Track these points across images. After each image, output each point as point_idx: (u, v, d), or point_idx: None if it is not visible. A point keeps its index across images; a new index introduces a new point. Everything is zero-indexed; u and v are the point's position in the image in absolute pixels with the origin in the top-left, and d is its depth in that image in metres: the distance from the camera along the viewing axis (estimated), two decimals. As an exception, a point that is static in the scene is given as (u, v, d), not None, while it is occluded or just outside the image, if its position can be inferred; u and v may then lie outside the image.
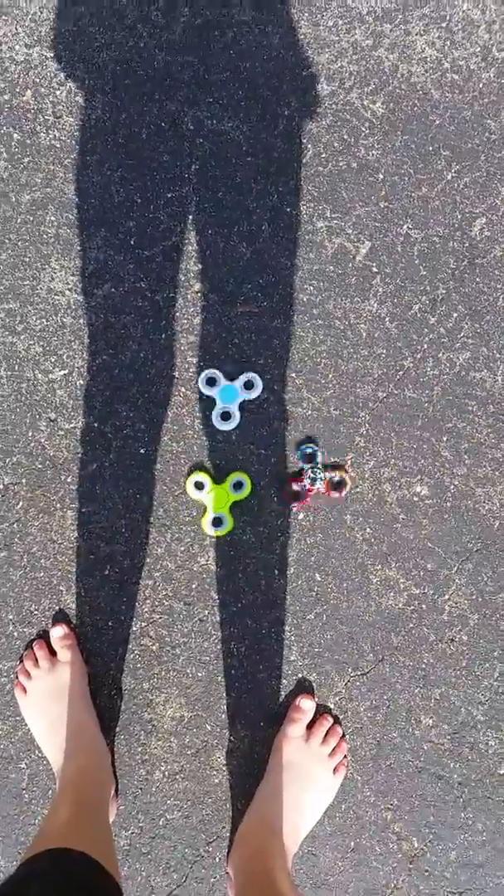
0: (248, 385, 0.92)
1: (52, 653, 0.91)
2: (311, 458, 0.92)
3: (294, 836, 0.87)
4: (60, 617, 0.92)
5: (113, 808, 0.89)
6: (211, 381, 0.92)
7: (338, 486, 0.93)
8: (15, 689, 0.91)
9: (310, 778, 0.89)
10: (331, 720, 0.93)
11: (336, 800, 0.92)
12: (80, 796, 0.79)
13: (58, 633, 0.91)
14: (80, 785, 0.81)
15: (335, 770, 0.91)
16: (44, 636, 0.92)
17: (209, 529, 0.92)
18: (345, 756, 0.92)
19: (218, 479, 0.92)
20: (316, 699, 0.93)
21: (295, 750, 0.90)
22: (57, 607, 0.92)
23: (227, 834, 0.93)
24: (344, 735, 0.93)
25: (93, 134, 0.92)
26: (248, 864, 0.83)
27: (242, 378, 0.92)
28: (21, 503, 0.91)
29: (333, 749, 0.91)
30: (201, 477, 0.91)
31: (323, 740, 0.91)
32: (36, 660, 0.91)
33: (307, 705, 0.92)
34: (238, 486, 0.92)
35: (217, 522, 0.92)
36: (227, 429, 0.92)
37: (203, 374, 0.92)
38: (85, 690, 0.90)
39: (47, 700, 0.88)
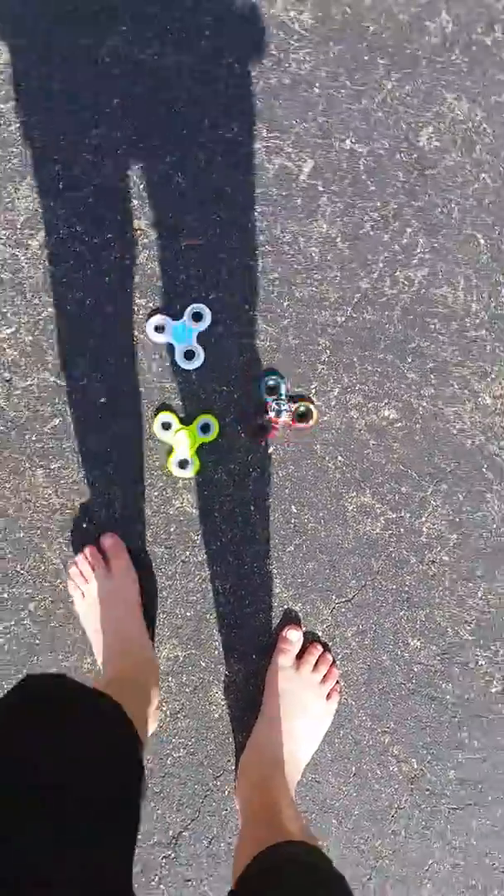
0: (197, 317, 0.91)
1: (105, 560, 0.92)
2: (273, 389, 0.91)
3: (294, 764, 0.89)
4: (105, 529, 0.93)
5: (154, 719, 0.91)
6: (159, 328, 0.91)
7: (303, 416, 0.92)
8: (73, 592, 0.92)
9: (303, 706, 0.90)
10: (320, 648, 0.93)
11: (333, 726, 0.93)
12: (121, 691, 0.75)
13: (108, 541, 0.91)
14: (123, 684, 0.81)
15: (328, 696, 0.92)
16: (90, 545, 0.92)
17: (176, 471, 0.92)
18: (337, 682, 0.93)
19: (184, 422, 0.92)
20: (303, 629, 0.93)
21: (286, 680, 0.91)
22: (41, 565, 0.93)
23: (233, 767, 0.95)
24: (334, 661, 0.93)
25: (2, 81, 0.90)
26: (252, 796, 0.85)
27: (189, 310, 0.91)
28: None
29: (325, 676, 0.92)
30: (168, 417, 0.91)
31: (314, 668, 0.92)
32: (91, 566, 0.91)
33: (294, 636, 0.92)
34: (205, 428, 0.91)
35: (183, 464, 0.92)
36: (193, 367, 0.91)
37: (149, 323, 0.91)
38: (137, 599, 0.91)
39: (104, 605, 0.89)
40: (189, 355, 0.91)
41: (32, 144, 0.90)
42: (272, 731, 0.89)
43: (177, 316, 0.91)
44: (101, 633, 0.89)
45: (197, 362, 0.91)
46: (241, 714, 0.94)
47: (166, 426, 0.91)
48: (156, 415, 0.92)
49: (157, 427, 0.91)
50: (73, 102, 0.90)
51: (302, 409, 0.91)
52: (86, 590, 0.91)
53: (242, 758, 0.90)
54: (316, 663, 0.92)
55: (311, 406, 0.91)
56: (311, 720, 0.90)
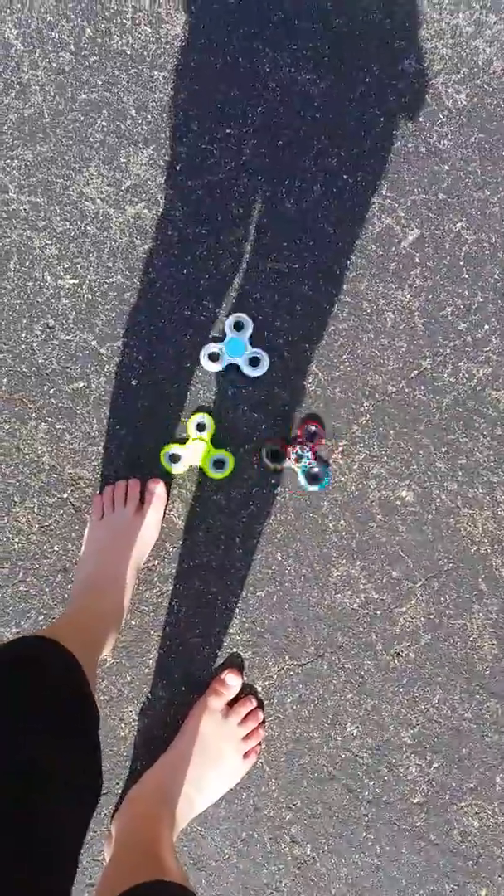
0: (238, 326, 0.89)
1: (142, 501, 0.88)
2: (311, 436, 0.89)
3: (187, 810, 0.84)
4: (159, 477, 0.89)
5: (107, 648, 0.84)
6: (238, 326, 0.89)
7: (314, 478, 0.89)
8: (92, 506, 0.89)
9: (219, 755, 0.86)
10: (254, 703, 0.89)
11: (238, 785, 0.89)
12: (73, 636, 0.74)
13: (156, 489, 0.87)
14: (85, 615, 0.79)
15: (246, 755, 0.88)
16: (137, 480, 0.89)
17: (212, 472, 0.89)
18: (259, 743, 0.89)
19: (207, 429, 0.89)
20: (244, 678, 0.89)
21: (211, 723, 0.86)
22: (6, 517, 0.89)
23: (119, 790, 0.90)
24: (264, 721, 0.89)
25: (166, 50, 0.89)
26: (135, 826, 0.80)
27: (230, 320, 0.88)
28: (-2, 402, 0.88)
29: (249, 733, 0.88)
30: (204, 418, 0.88)
31: (241, 721, 0.88)
32: (124, 496, 0.88)
33: (233, 681, 0.88)
34: (219, 463, 0.89)
35: (219, 464, 0.89)
36: (259, 373, 0.88)
37: (231, 318, 0.88)
38: (144, 553, 0.87)
39: (114, 538, 0.85)
40: (254, 362, 0.88)
41: (168, 119, 0.88)
42: (177, 768, 0.84)
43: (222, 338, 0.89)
44: (95, 559, 0.84)
45: (263, 368, 0.88)
46: (148, 742, 0.89)
47: (200, 427, 0.88)
48: (193, 413, 0.89)
49: (191, 425, 0.88)
50: (222, 95, 0.89)
51: (315, 470, 0.89)
52: (107, 515, 0.87)
53: (136, 786, 0.86)
54: (245, 717, 0.88)
55: (327, 473, 0.89)
56: (221, 772, 0.86)
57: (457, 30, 0.90)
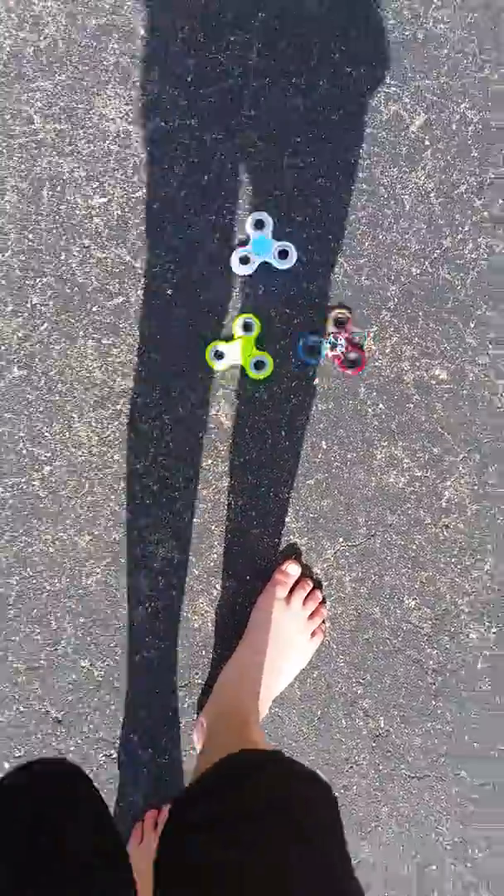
0: (259, 224, 0.92)
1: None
2: (341, 323, 0.93)
3: (266, 695, 0.89)
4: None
5: None
6: (259, 224, 0.93)
7: (352, 363, 0.93)
8: (133, 832, 0.92)
9: (287, 640, 0.90)
10: (311, 584, 0.93)
11: (309, 665, 0.93)
12: None
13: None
14: None
15: (312, 634, 0.92)
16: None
17: (252, 373, 0.93)
18: (322, 621, 0.93)
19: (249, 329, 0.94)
20: (302, 564, 0.93)
21: (277, 610, 0.91)
22: (67, 432, 0.94)
23: (200, 682, 0.94)
24: (324, 600, 0.93)
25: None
26: (224, 714, 0.85)
27: (251, 218, 0.92)
28: (46, 325, 0.94)
29: (312, 613, 0.92)
30: (251, 319, 0.93)
31: (303, 604, 0.92)
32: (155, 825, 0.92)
33: (293, 570, 0.92)
34: (260, 364, 0.93)
35: (259, 365, 0.93)
36: (288, 266, 0.92)
37: (250, 218, 0.92)
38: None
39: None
40: (283, 255, 0.92)
41: (175, 35, 0.93)
42: (254, 657, 0.89)
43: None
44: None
45: (292, 259, 0.92)
46: (222, 631, 0.94)
47: (247, 327, 0.93)
48: (236, 317, 0.93)
49: (237, 326, 0.93)
50: (224, 3, 0.93)
51: (353, 356, 0.93)
52: (146, 839, 0.90)
53: (221, 678, 0.90)
54: (305, 599, 0.92)
55: (363, 356, 0.92)
56: (292, 655, 0.90)
57: None
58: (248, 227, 0.92)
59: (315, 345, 0.93)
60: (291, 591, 0.92)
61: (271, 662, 0.89)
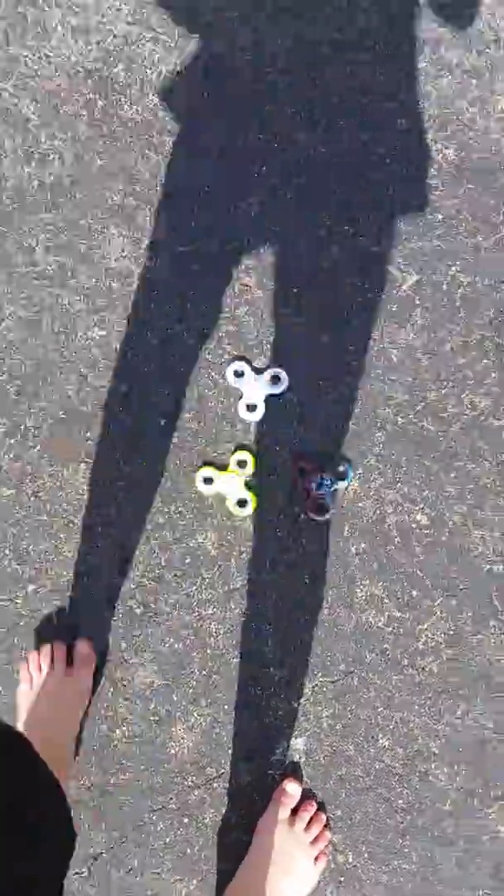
0: (275, 379, 0.98)
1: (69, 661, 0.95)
2: (341, 476, 0.97)
3: None
4: (87, 634, 0.97)
5: None
6: (238, 374, 0.98)
7: (319, 508, 0.97)
8: (21, 672, 0.95)
9: (291, 864, 0.89)
10: (315, 806, 0.94)
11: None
12: None
13: (84, 649, 0.95)
14: None
15: (316, 859, 0.91)
16: (57, 644, 0.96)
17: (234, 509, 0.97)
18: (327, 845, 0.93)
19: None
20: (303, 785, 0.94)
21: (279, 833, 0.90)
22: (54, 555, 0.98)
23: (174, 808, 0.96)
24: (328, 823, 0.94)
25: (176, 117, 1.00)
26: None
27: (269, 372, 0.97)
28: (38, 447, 0.98)
29: (316, 837, 0.92)
30: (246, 457, 0.97)
31: (306, 826, 0.92)
32: (51, 659, 0.94)
33: (294, 790, 0.93)
34: (242, 503, 0.97)
35: (242, 503, 0.97)
36: (252, 420, 0.97)
37: (231, 366, 0.98)
38: (79, 717, 0.94)
39: (46, 703, 0.92)
40: (251, 408, 0.97)
41: (179, 179, 0.99)
42: (255, 883, 0.88)
43: (259, 371, 0.98)
44: (31, 727, 0.90)
45: (257, 416, 0.97)
46: (197, 758, 0.96)
47: (242, 464, 0.97)
48: (234, 451, 0.98)
49: (233, 462, 0.97)
50: (237, 152, 0.99)
51: (321, 501, 0.96)
52: (36, 680, 0.93)
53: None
54: (309, 822, 0.92)
55: (331, 502, 0.96)
56: (296, 881, 0.90)
57: (441, 92, 1.00)
58: (229, 376, 0.97)
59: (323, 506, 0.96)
60: (295, 811, 0.93)
61: (273, 888, 0.88)
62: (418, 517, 0.97)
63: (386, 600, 0.97)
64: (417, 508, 0.97)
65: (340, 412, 0.98)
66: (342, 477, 0.96)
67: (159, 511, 0.98)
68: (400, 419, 0.98)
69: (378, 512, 0.97)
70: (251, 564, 0.97)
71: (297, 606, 0.97)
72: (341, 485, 0.96)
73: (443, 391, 0.97)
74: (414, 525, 0.97)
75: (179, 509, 0.98)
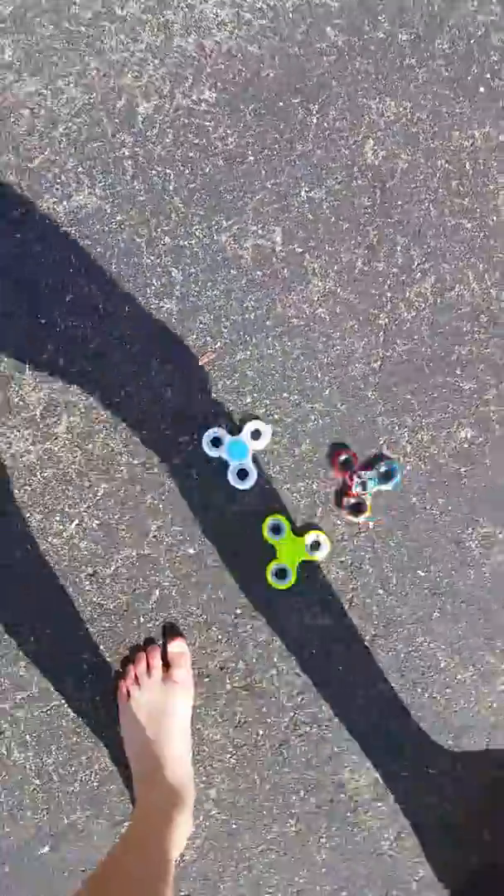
0: (256, 435, 0.84)
1: (166, 665, 0.82)
2: (346, 464, 0.84)
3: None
4: (177, 631, 0.83)
5: (182, 842, 0.76)
6: (216, 441, 0.84)
7: (356, 507, 0.84)
8: (118, 691, 0.82)
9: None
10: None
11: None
12: (147, 833, 0.71)
13: (177, 648, 0.82)
14: (152, 822, 0.73)
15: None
16: (155, 645, 0.83)
17: (273, 579, 0.83)
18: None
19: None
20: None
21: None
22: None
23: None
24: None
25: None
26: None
27: (248, 428, 0.83)
28: (93, 676, 0.82)
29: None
30: (277, 520, 0.83)
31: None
32: (149, 666, 0.81)
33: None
34: (315, 545, 0.83)
35: (282, 574, 0.83)
36: (246, 487, 0.84)
37: (205, 436, 0.83)
38: (189, 716, 0.81)
39: (152, 716, 0.79)
40: (242, 474, 0.83)
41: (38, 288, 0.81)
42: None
43: (234, 431, 0.84)
44: (140, 748, 0.78)
45: (250, 482, 0.83)
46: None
47: (276, 530, 0.84)
48: (265, 517, 0.84)
49: (266, 530, 0.83)
50: (136, 267, 0.82)
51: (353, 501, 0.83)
52: (135, 694, 0.80)
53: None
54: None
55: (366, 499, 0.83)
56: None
57: (152, 48, 0.84)
58: (207, 448, 0.83)
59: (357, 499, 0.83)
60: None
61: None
62: (462, 434, 0.85)
63: (500, 531, 0.85)
64: (455, 427, 0.85)
65: (322, 405, 0.84)
66: (389, 476, 0.84)
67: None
68: (375, 364, 0.84)
69: (427, 459, 0.85)
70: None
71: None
72: (384, 486, 0.83)
73: (388, 307, 0.84)
74: (465, 444, 0.85)
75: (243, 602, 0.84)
